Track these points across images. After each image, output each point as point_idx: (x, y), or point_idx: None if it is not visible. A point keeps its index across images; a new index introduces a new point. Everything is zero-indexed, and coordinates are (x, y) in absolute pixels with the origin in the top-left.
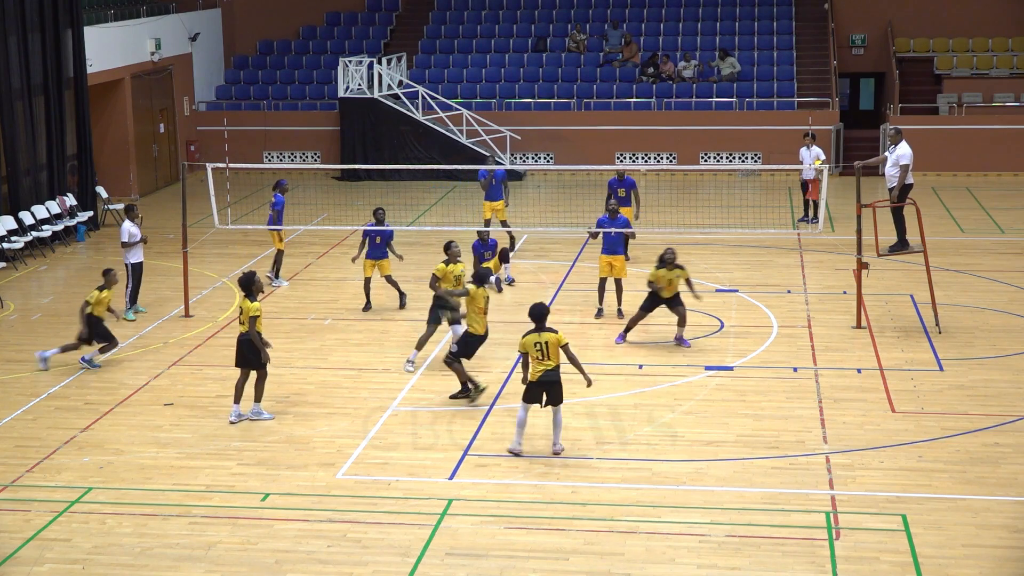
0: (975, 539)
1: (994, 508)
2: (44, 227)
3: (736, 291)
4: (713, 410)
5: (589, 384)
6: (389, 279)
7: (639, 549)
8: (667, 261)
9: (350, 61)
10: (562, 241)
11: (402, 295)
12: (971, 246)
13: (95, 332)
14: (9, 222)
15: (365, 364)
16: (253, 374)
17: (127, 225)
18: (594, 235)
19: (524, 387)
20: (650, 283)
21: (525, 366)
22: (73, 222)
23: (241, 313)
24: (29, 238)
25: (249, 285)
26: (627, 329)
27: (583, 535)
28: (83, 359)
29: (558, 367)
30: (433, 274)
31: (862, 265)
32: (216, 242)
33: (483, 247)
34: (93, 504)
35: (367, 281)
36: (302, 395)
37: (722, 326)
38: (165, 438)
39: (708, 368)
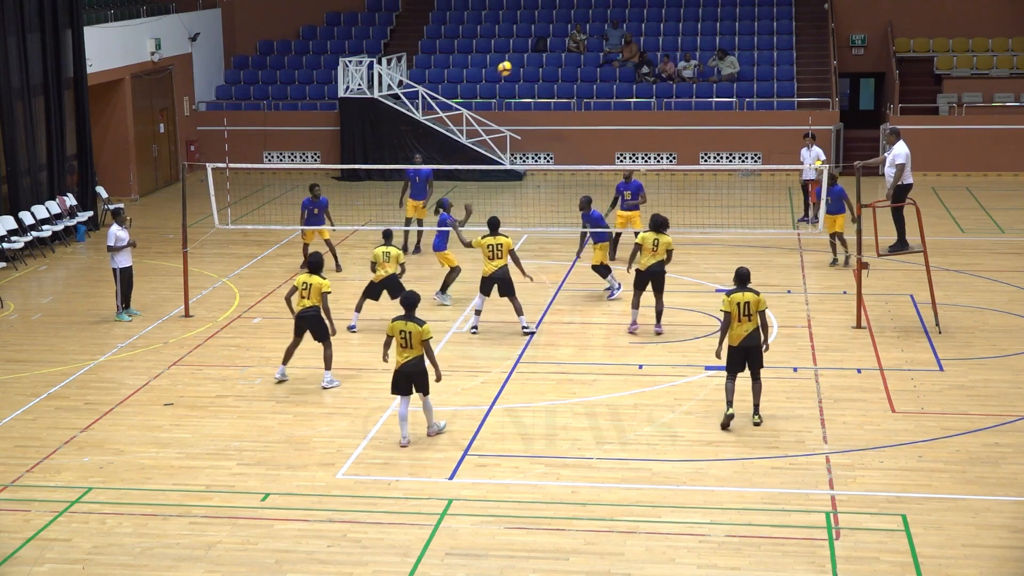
0: (975, 539)
1: (994, 508)
2: (44, 227)
3: None
4: (713, 410)
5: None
6: (328, 243)
7: (639, 549)
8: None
9: (350, 61)
10: (562, 241)
11: (337, 262)
12: (971, 246)
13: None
14: (9, 222)
15: (365, 364)
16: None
17: (114, 229)
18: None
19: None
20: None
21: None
22: (73, 222)
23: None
24: (29, 238)
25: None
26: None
27: (583, 535)
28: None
29: (421, 358)
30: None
31: (862, 265)
32: (216, 242)
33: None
34: (93, 504)
35: (306, 247)
36: (302, 395)
37: None
38: (165, 438)
39: (708, 368)
